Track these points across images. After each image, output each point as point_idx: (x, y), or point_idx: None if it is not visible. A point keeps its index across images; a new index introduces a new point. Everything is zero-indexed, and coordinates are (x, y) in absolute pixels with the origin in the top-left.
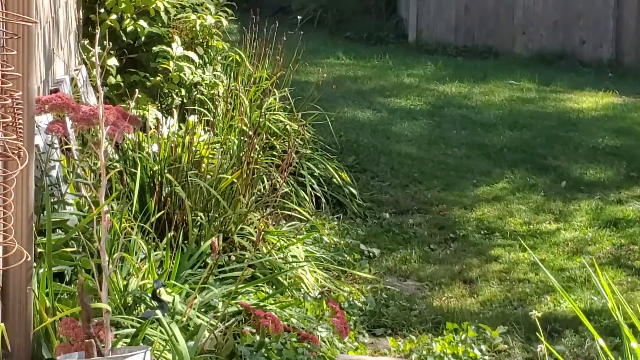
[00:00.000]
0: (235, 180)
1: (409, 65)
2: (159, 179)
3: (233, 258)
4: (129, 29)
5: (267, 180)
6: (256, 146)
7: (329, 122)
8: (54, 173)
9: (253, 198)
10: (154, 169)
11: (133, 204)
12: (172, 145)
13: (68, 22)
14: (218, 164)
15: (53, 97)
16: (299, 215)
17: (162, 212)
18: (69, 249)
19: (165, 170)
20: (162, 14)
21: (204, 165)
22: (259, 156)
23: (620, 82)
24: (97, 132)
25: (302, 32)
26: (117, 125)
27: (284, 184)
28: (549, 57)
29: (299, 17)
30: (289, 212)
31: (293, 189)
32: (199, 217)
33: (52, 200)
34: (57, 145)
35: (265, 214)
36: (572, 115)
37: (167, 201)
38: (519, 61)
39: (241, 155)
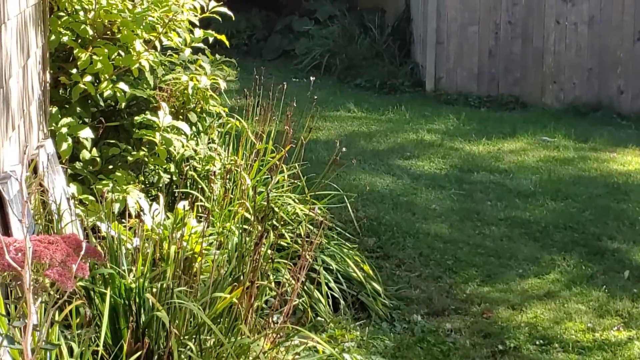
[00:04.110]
0: (236, 300)
1: (428, 119)
2: (137, 300)
3: None
4: (106, 93)
5: (276, 288)
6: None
7: (346, 200)
8: None
9: (257, 315)
10: (131, 287)
11: (101, 338)
12: (158, 238)
13: (26, 90)
14: (213, 267)
15: None
16: (316, 343)
17: (140, 353)
18: None
19: (146, 284)
20: (147, 74)
21: (196, 265)
22: (267, 265)
23: None
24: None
25: (305, 80)
26: (68, 265)
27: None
28: (583, 109)
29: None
30: (306, 338)
31: (306, 287)
32: (188, 348)
33: None
34: None
35: (275, 344)
36: (620, 180)
37: (147, 328)
38: (550, 113)
39: (243, 252)
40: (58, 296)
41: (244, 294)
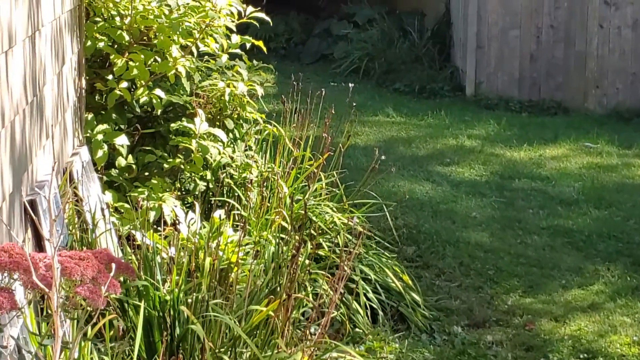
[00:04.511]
0: (272, 313)
1: (469, 124)
2: (171, 312)
3: None
4: (142, 99)
5: (313, 300)
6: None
7: (385, 209)
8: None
9: (294, 327)
10: (165, 299)
11: (135, 351)
12: (194, 248)
13: (61, 97)
14: (250, 278)
15: None
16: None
17: None
18: None
19: (181, 296)
20: (184, 80)
21: (232, 275)
22: (304, 276)
23: None
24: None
25: (343, 84)
26: (99, 281)
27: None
28: (626, 114)
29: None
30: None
31: (344, 298)
32: None
33: None
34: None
35: (312, 358)
36: None
37: (182, 342)
38: (593, 118)
39: (280, 262)
40: (90, 309)
41: (280, 307)
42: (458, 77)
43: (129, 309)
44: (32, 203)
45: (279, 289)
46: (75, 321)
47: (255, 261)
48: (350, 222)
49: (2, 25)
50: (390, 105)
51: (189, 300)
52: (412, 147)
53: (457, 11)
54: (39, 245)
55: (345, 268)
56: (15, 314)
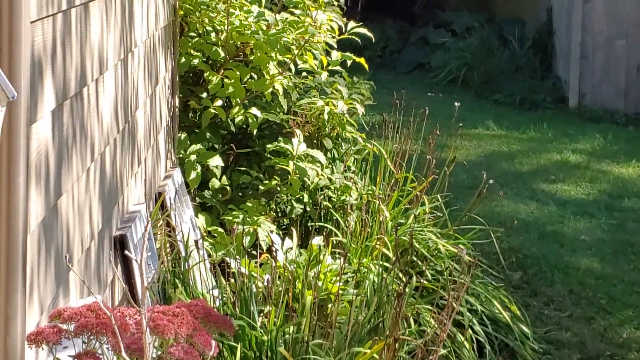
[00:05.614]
0: (376, 356)
1: (573, 138)
2: (269, 354)
3: None
4: (237, 118)
5: (418, 336)
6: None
7: (492, 234)
8: None
9: None
10: (262, 339)
11: None
12: (291, 277)
13: (154, 119)
14: (350, 312)
15: (82, 311)
16: None
17: None
18: None
19: (280, 337)
20: (281, 98)
21: (331, 306)
22: (408, 311)
23: None
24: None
25: (441, 94)
26: (195, 340)
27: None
28: None
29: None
30: None
31: (449, 331)
32: None
33: None
34: None
35: None
36: None
37: None
38: None
39: (382, 295)
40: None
41: (385, 348)
42: (560, 88)
43: (224, 349)
44: (122, 238)
45: (381, 324)
46: None
47: (355, 291)
48: (455, 249)
49: (93, 50)
50: (490, 117)
51: (287, 337)
52: (514, 162)
53: (559, 20)
54: (130, 282)
55: (454, 304)
56: None
